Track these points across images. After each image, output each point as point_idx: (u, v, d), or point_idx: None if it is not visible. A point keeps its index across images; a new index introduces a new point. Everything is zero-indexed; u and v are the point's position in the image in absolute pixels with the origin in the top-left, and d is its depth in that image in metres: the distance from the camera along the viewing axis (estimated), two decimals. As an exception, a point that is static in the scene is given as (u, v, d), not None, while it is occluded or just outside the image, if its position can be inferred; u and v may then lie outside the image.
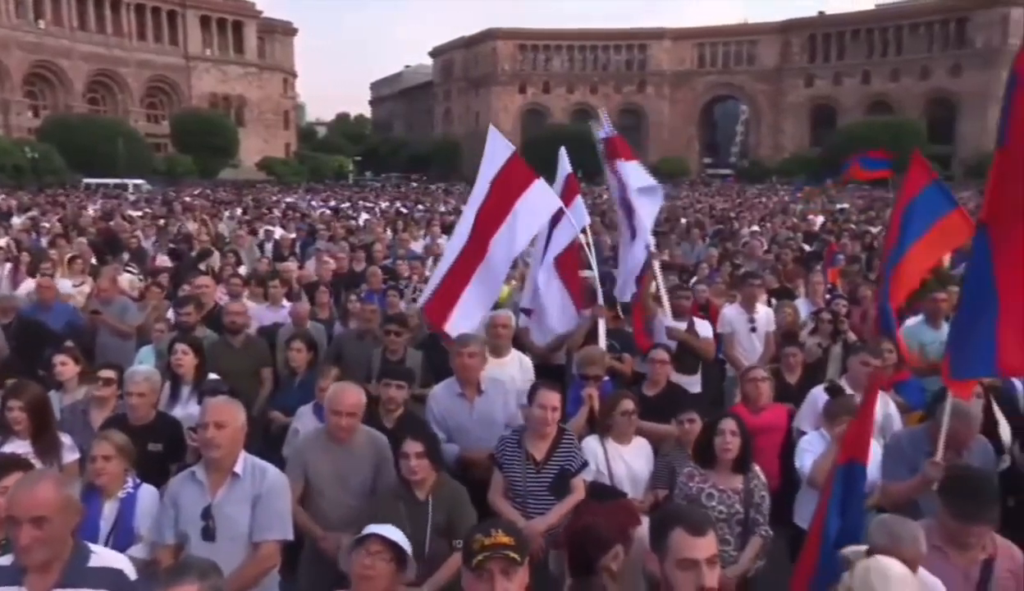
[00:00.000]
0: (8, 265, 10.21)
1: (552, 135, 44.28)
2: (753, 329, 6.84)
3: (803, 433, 4.80)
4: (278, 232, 15.18)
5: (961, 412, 3.96)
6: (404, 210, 26.77)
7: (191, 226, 16.50)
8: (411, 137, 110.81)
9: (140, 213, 22.41)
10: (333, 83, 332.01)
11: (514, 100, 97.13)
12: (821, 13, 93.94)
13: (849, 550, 2.89)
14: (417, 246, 13.35)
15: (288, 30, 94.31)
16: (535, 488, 4.08)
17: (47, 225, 16.22)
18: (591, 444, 4.42)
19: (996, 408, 4.59)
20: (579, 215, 6.22)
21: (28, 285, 8.41)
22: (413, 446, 3.60)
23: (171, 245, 12.72)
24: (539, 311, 6.35)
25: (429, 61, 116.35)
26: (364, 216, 22.42)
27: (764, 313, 6.99)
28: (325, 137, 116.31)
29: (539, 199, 5.78)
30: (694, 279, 9.13)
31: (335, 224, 17.02)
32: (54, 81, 73.07)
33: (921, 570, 2.91)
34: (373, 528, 2.89)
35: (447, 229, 16.66)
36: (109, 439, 3.60)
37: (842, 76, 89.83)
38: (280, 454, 4.61)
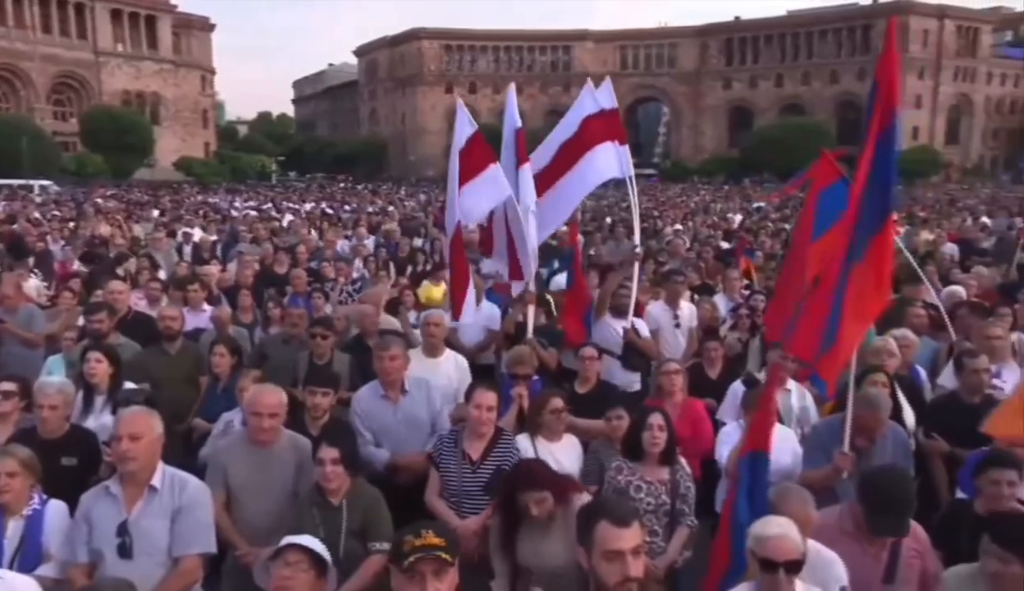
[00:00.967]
0: (-102, 273, 9.52)
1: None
2: (677, 325, 6.98)
3: (723, 424, 4.96)
4: (197, 234, 14.68)
5: (867, 401, 4.18)
6: (330, 211, 26.33)
7: (104, 229, 15.77)
8: (336, 137, 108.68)
9: (48, 216, 21.35)
10: (254, 81, 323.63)
11: (441, 100, 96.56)
12: (737, 18, 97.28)
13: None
14: (344, 246, 13.15)
15: (205, 26, 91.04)
16: (471, 487, 4.08)
17: (-58, 229, 15.26)
18: (522, 442, 4.44)
19: (900, 394, 4.83)
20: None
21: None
22: (329, 452, 3.56)
23: (85, 249, 12.15)
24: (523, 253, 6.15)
25: (353, 60, 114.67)
26: (288, 217, 21.93)
27: (688, 310, 7.15)
28: (246, 136, 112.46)
29: (489, 186, 5.81)
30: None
31: (258, 225, 16.57)
32: (-52, 76, 68.77)
33: (819, 545, 3.06)
34: (291, 539, 2.85)
35: (374, 229, 16.49)
36: (13, 455, 3.42)
37: (757, 79, 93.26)
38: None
